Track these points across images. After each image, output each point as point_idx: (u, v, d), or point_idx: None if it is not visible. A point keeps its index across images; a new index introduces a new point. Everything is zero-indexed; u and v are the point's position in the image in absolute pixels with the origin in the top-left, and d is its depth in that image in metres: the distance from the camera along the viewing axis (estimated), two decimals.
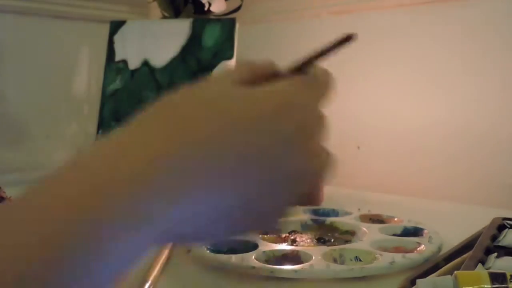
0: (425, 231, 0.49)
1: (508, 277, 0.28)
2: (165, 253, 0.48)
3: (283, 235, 0.51)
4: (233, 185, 0.28)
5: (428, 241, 0.46)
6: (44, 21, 0.99)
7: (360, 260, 0.43)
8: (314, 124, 0.31)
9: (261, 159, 0.28)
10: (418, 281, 0.30)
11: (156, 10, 0.95)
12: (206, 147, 0.27)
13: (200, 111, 0.28)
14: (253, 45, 1.00)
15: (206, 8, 0.81)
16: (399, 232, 0.51)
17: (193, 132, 0.27)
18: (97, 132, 0.77)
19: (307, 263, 0.41)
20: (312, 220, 0.55)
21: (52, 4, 0.98)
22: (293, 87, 0.32)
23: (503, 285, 0.28)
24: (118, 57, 0.79)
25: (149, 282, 0.39)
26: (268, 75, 0.33)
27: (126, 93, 0.77)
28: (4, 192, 0.58)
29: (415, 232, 0.50)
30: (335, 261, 0.43)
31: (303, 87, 0.33)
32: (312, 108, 0.32)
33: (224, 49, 0.76)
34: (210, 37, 0.77)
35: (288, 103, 0.30)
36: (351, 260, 0.43)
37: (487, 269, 0.33)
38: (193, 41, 0.77)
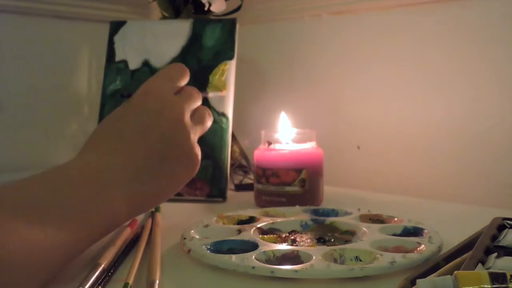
0: (425, 231, 0.49)
1: (508, 277, 0.28)
2: (159, 251, 0.48)
3: (283, 235, 0.51)
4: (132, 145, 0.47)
5: (428, 241, 0.46)
6: (44, 21, 0.99)
7: (360, 260, 0.43)
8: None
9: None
10: (418, 281, 0.30)
11: (156, 10, 0.95)
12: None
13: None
14: (253, 45, 1.00)
15: (206, 8, 0.81)
16: (399, 232, 0.51)
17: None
18: None
19: (307, 263, 0.41)
20: (312, 220, 0.55)
21: (52, 4, 0.98)
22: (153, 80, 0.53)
23: (503, 285, 0.28)
24: (118, 57, 0.79)
25: (157, 282, 0.39)
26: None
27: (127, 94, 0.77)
28: None
29: (415, 232, 0.50)
30: (335, 261, 0.43)
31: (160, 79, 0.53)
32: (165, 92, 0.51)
33: (225, 49, 0.76)
34: (211, 37, 0.77)
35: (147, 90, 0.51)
36: (351, 260, 0.44)
37: (487, 269, 0.33)
38: (194, 41, 0.77)
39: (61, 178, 0.42)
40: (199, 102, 0.56)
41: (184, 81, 0.55)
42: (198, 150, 0.52)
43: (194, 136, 0.52)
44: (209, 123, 0.56)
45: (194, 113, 0.54)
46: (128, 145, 0.47)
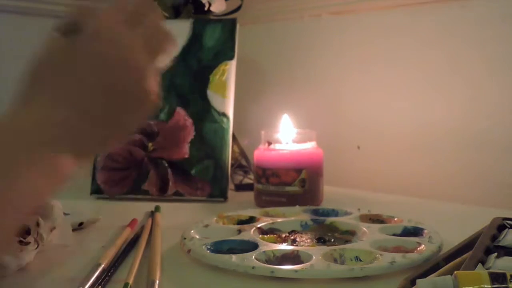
0: (425, 231, 0.49)
1: (508, 277, 0.28)
2: (159, 252, 0.48)
3: (283, 235, 0.51)
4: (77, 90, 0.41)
5: (428, 241, 0.46)
6: (44, 21, 0.98)
7: (360, 260, 0.43)
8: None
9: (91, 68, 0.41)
10: (418, 281, 0.30)
11: None
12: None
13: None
14: (253, 45, 1.00)
15: (206, 8, 0.81)
16: (399, 232, 0.51)
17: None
18: None
19: (307, 263, 0.41)
20: (312, 220, 0.55)
21: (52, 4, 0.98)
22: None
23: (503, 285, 0.28)
24: None
25: (157, 282, 0.39)
26: None
27: None
28: None
29: (415, 232, 0.50)
30: (335, 261, 0.43)
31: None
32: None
33: (225, 49, 0.76)
34: (211, 37, 0.77)
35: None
36: (351, 260, 0.44)
37: (487, 269, 0.33)
38: (194, 41, 0.77)
39: None
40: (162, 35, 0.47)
41: (146, 14, 0.46)
42: (153, 88, 0.44)
43: (151, 74, 0.45)
44: (169, 48, 0.47)
45: (150, 40, 0.45)
46: (65, 96, 0.41)
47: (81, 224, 0.57)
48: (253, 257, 0.42)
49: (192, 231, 0.50)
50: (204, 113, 0.75)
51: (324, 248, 0.45)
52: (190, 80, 0.76)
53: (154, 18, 0.46)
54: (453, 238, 0.44)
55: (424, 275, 0.35)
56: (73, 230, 0.52)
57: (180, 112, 0.75)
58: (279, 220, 0.55)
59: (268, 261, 0.43)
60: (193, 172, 0.73)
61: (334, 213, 0.59)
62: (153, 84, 0.45)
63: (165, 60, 0.48)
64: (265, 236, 0.51)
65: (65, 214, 0.50)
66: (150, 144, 0.75)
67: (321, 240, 0.50)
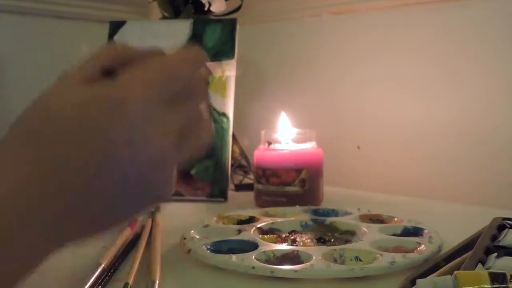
0: (425, 231, 0.49)
1: (508, 277, 0.28)
2: (159, 252, 0.48)
3: (283, 235, 0.51)
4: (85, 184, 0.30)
5: (428, 241, 0.46)
6: (44, 21, 0.99)
7: (361, 260, 0.43)
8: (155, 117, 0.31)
9: (107, 162, 0.30)
10: (418, 281, 0.30)
11: (156, 10, 0.95)
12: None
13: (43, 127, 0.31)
14: (253, 45, 1.00)
15: (206, 8, 0.81)
16: (399, 232, 0.51)
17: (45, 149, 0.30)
18: None
19: (307, 263, 0.41)
20: (312, 220, 0.55)
21: (52, 4, 0.98)
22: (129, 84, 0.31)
23: (503, 285, 0.28)
24: None
25: (157, 282, 0.39)
26: (128, 57, 0.34)
27: None
28: None
29: (415, 232, 0.50)
30: (335, 261, 0.43)
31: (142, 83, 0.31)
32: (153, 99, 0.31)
33: (225, 50, 0.76)
34: (211, 37, 0.77)
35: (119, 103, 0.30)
36: (351, 260, 0.44)
37: (487, 269, 0.33)
38: (194, 42, 0.77)
39: None
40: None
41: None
42: (172, 183, 0.33)
43: (175, 168, 0.34)
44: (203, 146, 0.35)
45: (189, 124, 0.34)
46: (66, 181, 0.29)
47: None
48: (253, 257, 0.42)
49: (192, 231, 0.50)
50: None
51: (324, 248, 0.45)
52: None
53: (201, 99, 0.35)
54: (453, 238, 0.44)
55: (424, 275, 0.35)
56: None
57: None
58: (279, 220, 0.55)
59: (268, 261, 0.43)
60: (193, 172, 0.73)
61: (334, 213, 0.59)
62: (173, 179, 0.34)
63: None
64: (265, 236, 0.51)
65: None
66: None
67: (321, 240, 0.50)
